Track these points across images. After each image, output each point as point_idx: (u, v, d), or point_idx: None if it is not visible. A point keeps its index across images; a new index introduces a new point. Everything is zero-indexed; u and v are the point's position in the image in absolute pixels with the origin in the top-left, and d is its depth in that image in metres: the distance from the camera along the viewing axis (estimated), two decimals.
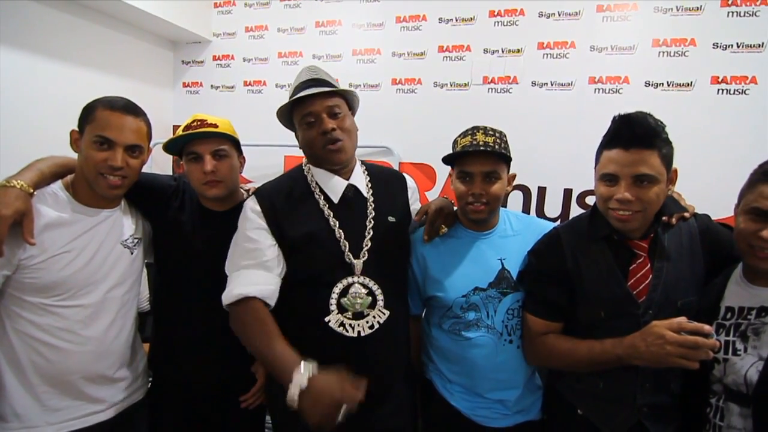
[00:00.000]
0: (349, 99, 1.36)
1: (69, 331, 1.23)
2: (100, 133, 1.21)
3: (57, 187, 1.26)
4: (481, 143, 1.27)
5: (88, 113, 1.24)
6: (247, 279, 1.23)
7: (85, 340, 1.25)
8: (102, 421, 1.31)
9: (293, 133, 1.39)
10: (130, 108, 1.26)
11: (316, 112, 1.28)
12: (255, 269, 1.24)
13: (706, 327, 1.02)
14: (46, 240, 1.19)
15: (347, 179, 1.35)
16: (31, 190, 1.17)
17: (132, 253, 1.36)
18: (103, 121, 1.22)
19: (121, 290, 1.33)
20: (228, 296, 1.22)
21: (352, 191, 1.35)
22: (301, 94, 1.28)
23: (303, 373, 1.07)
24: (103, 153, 1.21)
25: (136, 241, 1.38)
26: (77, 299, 1.23)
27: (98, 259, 1.27)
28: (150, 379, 1.52)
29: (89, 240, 1.26)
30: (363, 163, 1.45)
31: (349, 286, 1.26)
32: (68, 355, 1.23)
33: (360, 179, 1.38)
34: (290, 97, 1.32)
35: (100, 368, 1.29)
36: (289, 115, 1.36)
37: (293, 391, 1.05)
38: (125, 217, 1.37)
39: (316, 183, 1.35)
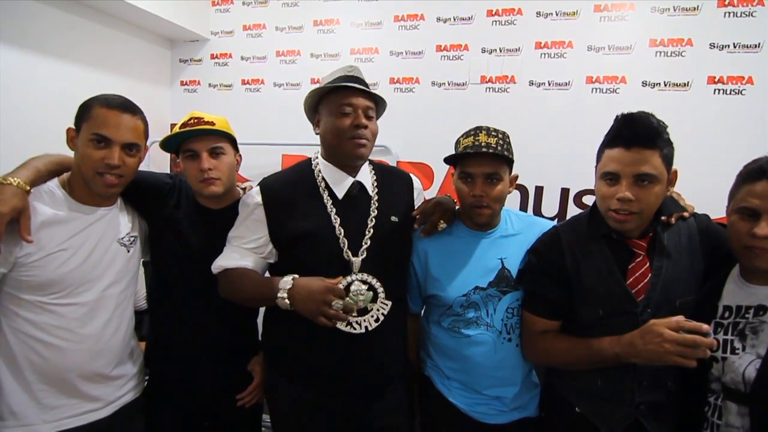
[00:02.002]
0: (381, 107, 1.39)
1: (65, 329, 1.22)
2: (97, 132, 1.20)
3: (53, 184, 1.26)
4: (483, 144, 1.27)
5: (85, 111, 1.23)
6: (232, 254, 1.33)
7: (82, 339, 1.24)
8: (98, 419, 1.30)
9: (291, 132, 1.39)
10: (127, 106, 1.25)
11: (357, 105, 1.29)
12: (242, 249, 1.33)
13: (704, 326, 1.02)
14: (43, 238, 1.18)
15: (354, 176, 1.35)
16: (28, 188, 1.16)
17: (128, 251, 1.36)
18: (100, 119, 1.21)
19: (117, 288, 1.32)
20: (214, 267, 1.34)
21: (357, 188, 1.35)
22: (352, 84, 1.28)
23: (286, 278, 1.21)
24: (100, 151, 1.20)
25: (132, 239, 1.38)
26: (74, 297, 1.23)
27: (95, 257, 1.26)
28: (146, 377, 1.51)
29: (86, 238, 1.25)
30: (371, 162, 1.46)
31: (350, 284, 1.26)
32: (65, 354, 1.22)
33: (366, 177, 1.39)
34: (331, 83, 1.31)
35: (96, 366, 1.28)
36: (316, 100, 1.36)
37: (282, 294, 1.18)
38: (122, 215, 1.37)
39: (323, 178, 1.35)
